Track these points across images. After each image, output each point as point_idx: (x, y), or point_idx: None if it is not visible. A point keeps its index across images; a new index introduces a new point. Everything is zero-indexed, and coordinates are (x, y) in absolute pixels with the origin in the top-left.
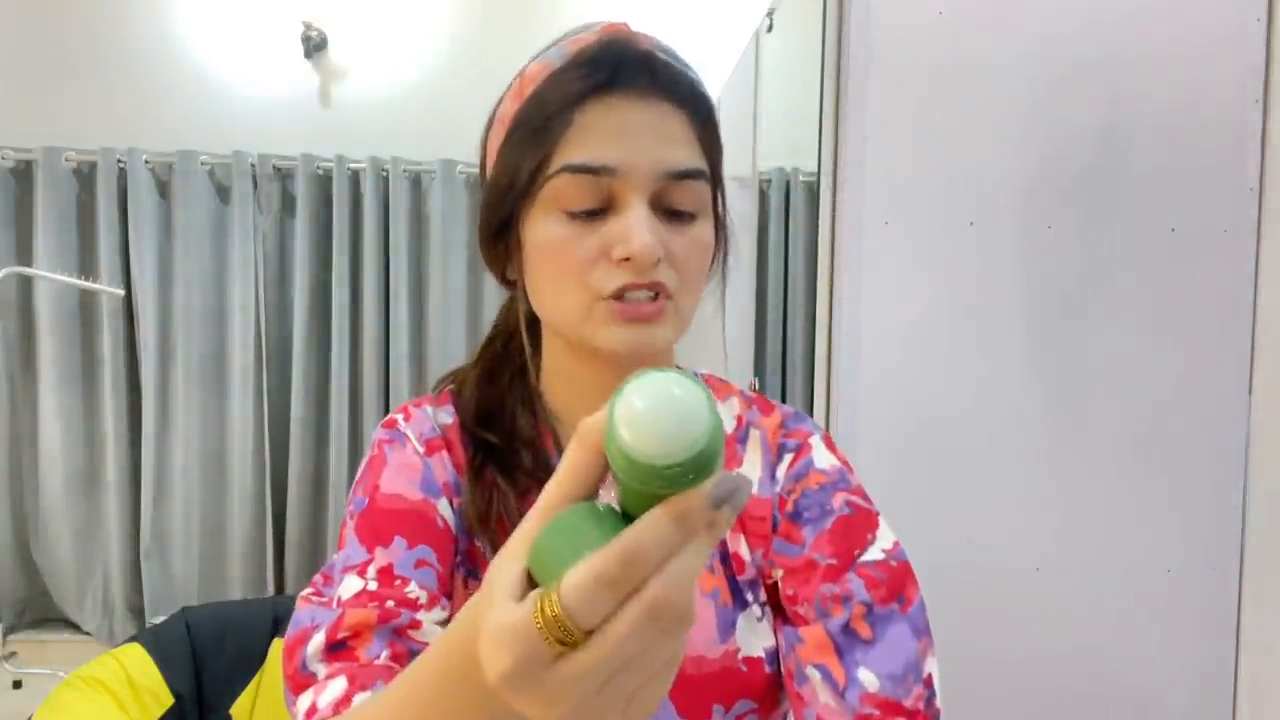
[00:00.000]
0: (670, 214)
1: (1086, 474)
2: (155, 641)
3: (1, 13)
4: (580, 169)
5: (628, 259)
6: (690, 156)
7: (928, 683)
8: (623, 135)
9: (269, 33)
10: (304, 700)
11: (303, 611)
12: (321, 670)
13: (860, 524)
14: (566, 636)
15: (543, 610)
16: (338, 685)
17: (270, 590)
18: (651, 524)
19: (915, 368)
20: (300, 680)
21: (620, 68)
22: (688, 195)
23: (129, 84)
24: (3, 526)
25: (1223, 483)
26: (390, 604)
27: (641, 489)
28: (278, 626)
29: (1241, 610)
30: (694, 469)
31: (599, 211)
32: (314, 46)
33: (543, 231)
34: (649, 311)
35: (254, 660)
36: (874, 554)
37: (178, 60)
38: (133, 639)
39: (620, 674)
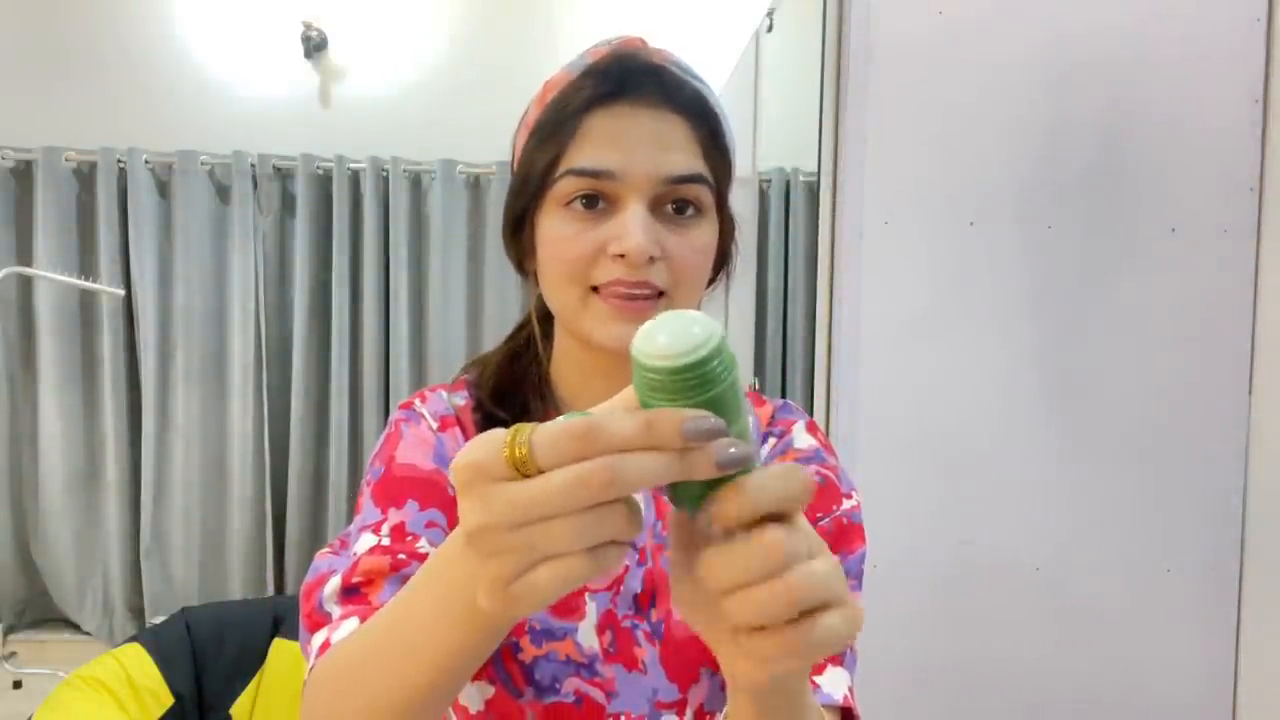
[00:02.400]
0: (670, 216)
1: (1086, 474)
2: (155, 641)
3: (1, 13)
4: (583, 172)
5: (622, 255)
6: (689, 163)
7: None
8: (624, 142)
9: (269, 33)
10: (318, 637)
11: (321, 560)
12: (336, 611)
13: (828, 494)
14: (522, 466)
15: (515, 438)
16: (350, 624)
17: (270, 590)
18: (623, 414)
19: (915, 368)
20: (316, 619)
21: (626, 79)
22: (687, 199)
23: (129, 84)
24: (3, 526)
25: (1223, 483)
26: (401, 556)
27: (650, 400)
28: (278, 626)
29: (1241, 610)
30: (693, 382)
31: (601, 212)
32: (314, 46)
33: (550, 228)
34: (638, 306)
35: (254, 660)
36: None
37: (178, 60)
38: (133, 639)
39: (543, 525)
